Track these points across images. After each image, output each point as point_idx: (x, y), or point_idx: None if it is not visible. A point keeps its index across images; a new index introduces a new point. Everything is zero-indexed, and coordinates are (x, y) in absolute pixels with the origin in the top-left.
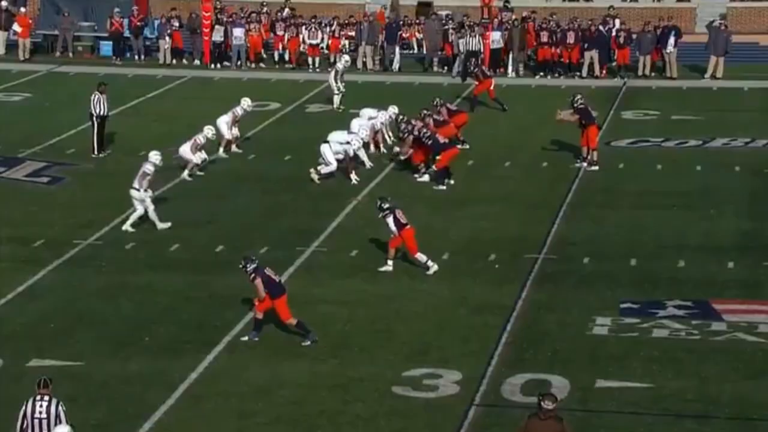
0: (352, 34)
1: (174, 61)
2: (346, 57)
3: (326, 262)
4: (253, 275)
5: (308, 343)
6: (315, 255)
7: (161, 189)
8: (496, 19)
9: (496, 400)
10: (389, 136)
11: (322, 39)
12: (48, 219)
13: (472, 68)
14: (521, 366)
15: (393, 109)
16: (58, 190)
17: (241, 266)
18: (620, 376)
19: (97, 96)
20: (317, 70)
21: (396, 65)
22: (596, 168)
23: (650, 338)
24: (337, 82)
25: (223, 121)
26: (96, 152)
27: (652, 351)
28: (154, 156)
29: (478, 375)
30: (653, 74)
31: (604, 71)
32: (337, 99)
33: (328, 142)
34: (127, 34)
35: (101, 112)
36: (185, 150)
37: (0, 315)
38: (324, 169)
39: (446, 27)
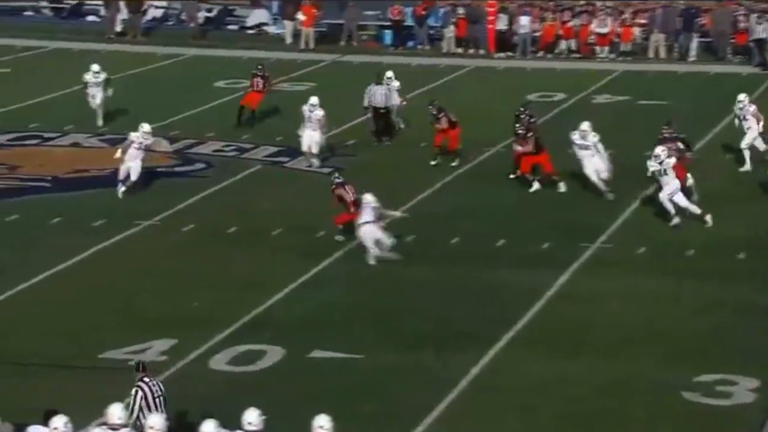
0: (644, 21)
1: (459, 50)
2: None
3: (612, 258)
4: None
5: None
6: (600, 251)
7: (434, 185)
8: None
9: None
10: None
11: (612, 28)
12: (330, 209)
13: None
14: None
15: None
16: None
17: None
18: None
19: (374, 87)
20: (606, 59)
21: (692, 54)
22: None
23: None
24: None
25: None
26: (385, 137)
27: None
28: None
29: None
30: None
31: None
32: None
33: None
34: (410, 22)
35: (383, 104)
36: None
37: (284, 304)
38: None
39: (737, 14)
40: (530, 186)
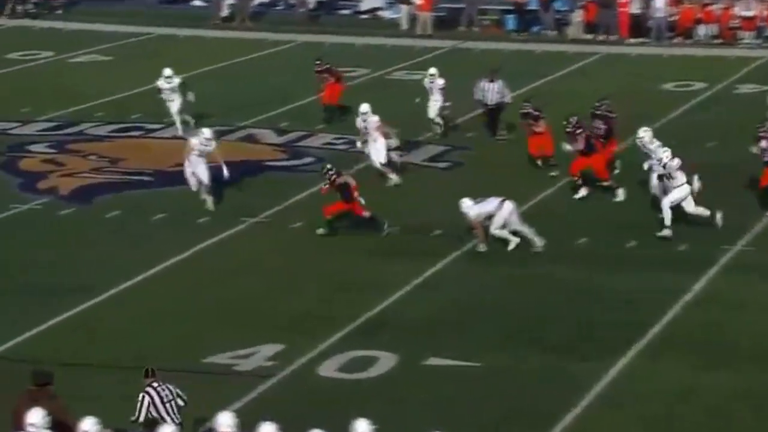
0: None
1: (588, 36)
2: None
3: (755, 262)
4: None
5: (385, 233)
6: (742, 254)
7: (557, 183)
8: None
9: None
10: None
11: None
12: (447, 207)
13: None
14: None
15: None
16: (456, 176)
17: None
18: None
19: (484, 84)
20: (751, 45)
21: None
22: None
23: None
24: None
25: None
26: (493, 136)
27: None
28: None
29: None
30: None
31: None
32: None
33: None
34: (534, 6)
35: (493, 101)
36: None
37: (397, 308)
38: None
39: None
40: (576, 191)
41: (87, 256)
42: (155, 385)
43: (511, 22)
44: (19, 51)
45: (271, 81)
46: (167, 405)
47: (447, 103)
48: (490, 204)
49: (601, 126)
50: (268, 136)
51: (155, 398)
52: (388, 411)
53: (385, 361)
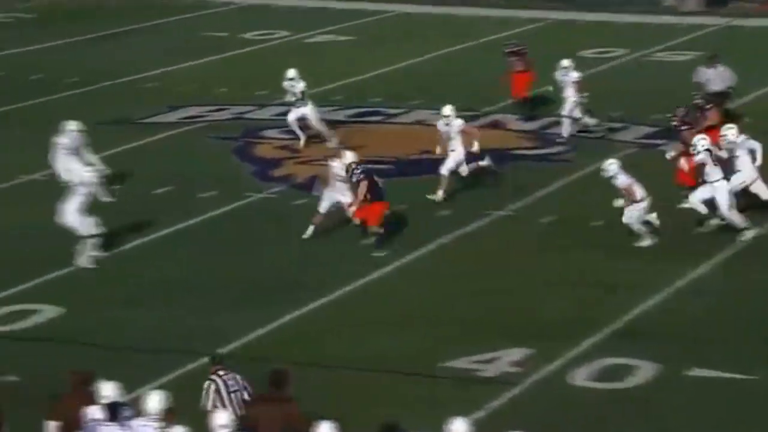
0: None
1: None
2: None
3: None
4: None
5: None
6: None
7: None
8: None
9: None
10: None
11: None
12: None
13: None
14: None
15: None
16: None
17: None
18: None
19: (702, 69)
20: None
21: None
22: None
23: None
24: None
25: None
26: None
27: None
28: None
29: None
30: None
31: None
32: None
33: None
34: None
35: (714, 87)
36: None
37: (657, 312)
38: None
39: None
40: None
41: (322, 250)
42: (221, 373)
43: None
44: (253, 31)
45: None
46: (231, 395)
47: (584, 96)
48: (637, 188)
49: None
50: (515, 122)
51: (220, 386)
52: (648, 426)
53: (644, 370)
